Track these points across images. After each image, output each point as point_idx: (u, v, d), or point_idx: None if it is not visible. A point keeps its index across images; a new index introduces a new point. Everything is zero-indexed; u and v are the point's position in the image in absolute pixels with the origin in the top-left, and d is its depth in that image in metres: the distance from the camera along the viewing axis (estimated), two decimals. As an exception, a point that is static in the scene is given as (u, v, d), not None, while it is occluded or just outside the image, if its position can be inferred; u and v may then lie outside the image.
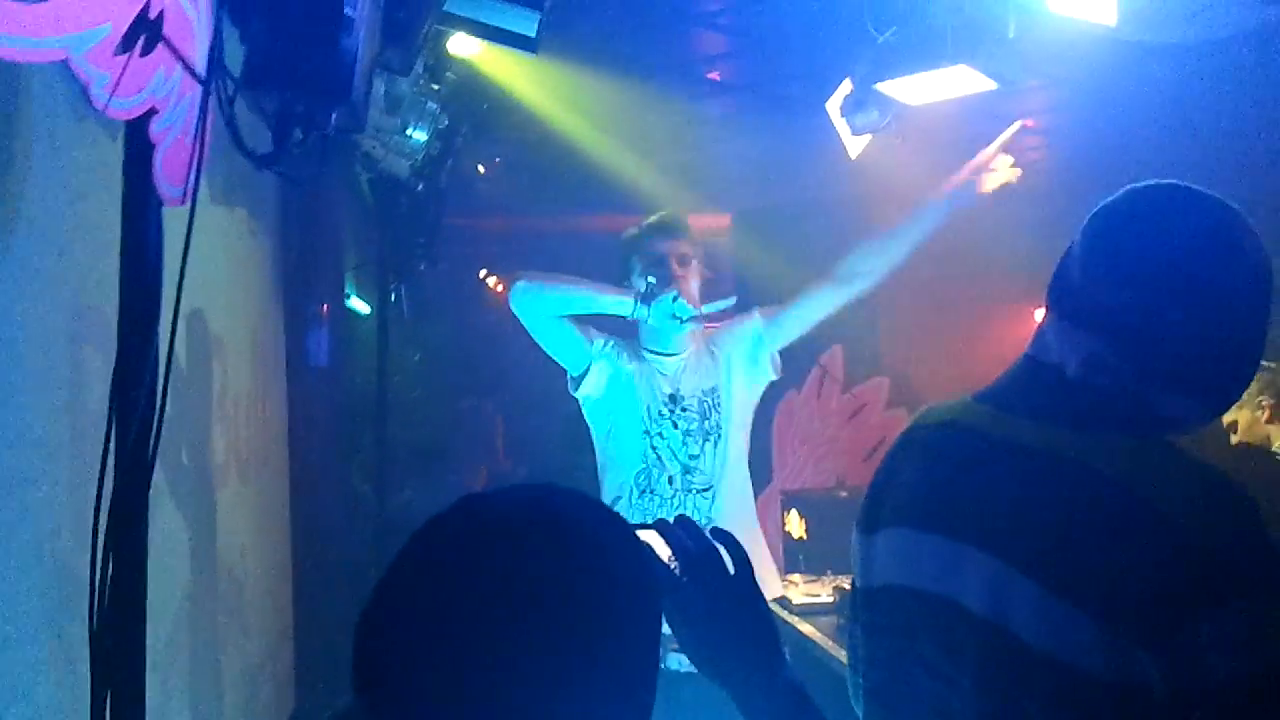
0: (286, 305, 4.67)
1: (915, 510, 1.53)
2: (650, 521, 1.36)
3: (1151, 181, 1.48)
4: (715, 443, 3.41)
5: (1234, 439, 4.18)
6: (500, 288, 10.29)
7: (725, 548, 1.34)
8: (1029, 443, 1.43)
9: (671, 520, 1.36)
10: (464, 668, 1.01)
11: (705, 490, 3.40)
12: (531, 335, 3.46)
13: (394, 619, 1.06)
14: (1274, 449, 4.19)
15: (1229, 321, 1.42)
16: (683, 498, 3.38)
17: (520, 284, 3.37)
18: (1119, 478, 1.32)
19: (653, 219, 3.55)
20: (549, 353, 3.50)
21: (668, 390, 3.44)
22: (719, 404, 3.45)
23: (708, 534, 1.34)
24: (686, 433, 3.41)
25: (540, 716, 1.02)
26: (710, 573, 1.31)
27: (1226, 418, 4.13)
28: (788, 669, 1.31)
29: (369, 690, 1.05)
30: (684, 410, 3.43)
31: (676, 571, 1.31)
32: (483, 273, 10.17)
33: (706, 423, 3.42)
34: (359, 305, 6.26)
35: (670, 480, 3.39)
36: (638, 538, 1.17)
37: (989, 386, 1.57)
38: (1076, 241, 1.50)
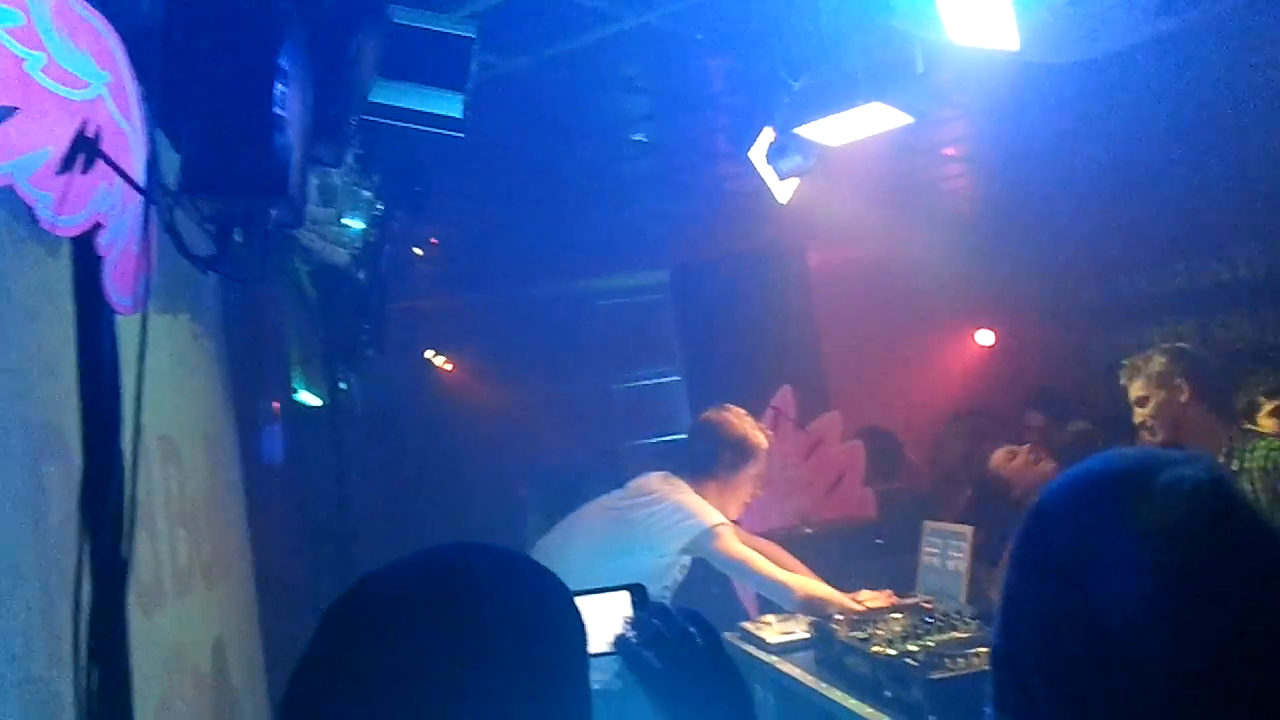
0: (236, 405, 4.66)
1: None
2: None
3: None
4: None
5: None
6: (449, 366, 10.29)
7: (693, 624, 1.37)
8: None
9: (636, 603, 1.40)
10: None
11: None
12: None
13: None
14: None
15: None
16: None
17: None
18: None
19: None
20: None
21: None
22: None
23: (675, 613, 1.38)
24: None
25: None
26: (684, 651, 1.34)
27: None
28: None
29: None
30: None
31: (632, 637, 1.35)
32: (429, 353, 10.19)
33: None
34: (308, 398, 6.23)
35: None
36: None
37: None
38: None
